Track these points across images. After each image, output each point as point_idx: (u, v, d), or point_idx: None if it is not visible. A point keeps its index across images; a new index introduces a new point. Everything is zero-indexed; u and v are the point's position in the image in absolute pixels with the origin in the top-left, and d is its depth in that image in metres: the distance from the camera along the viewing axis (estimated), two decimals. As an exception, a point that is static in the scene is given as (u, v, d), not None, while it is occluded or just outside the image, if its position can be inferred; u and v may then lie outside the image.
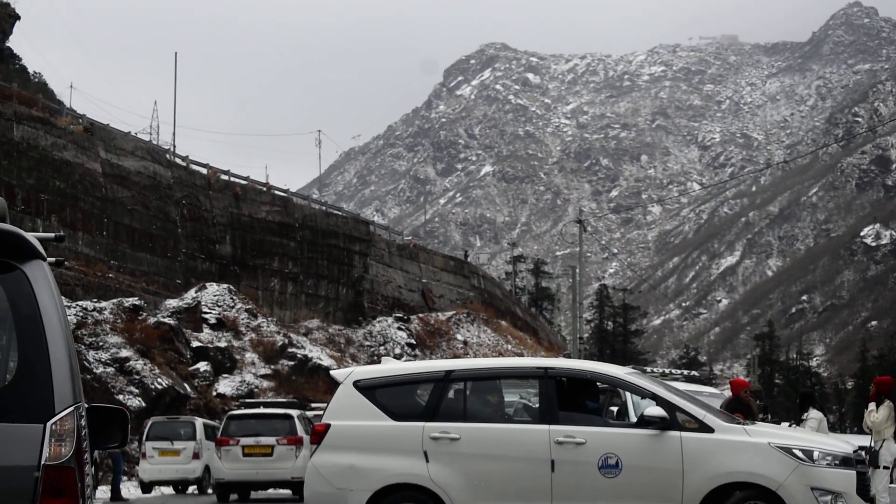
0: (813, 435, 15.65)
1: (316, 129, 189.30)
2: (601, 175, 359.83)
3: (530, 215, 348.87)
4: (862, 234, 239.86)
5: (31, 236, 5.99)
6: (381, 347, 73.09)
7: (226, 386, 54.99)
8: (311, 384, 58.71)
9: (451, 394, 15.25)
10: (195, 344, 57.25)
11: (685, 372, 27.96)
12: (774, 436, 14.48)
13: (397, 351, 73.00)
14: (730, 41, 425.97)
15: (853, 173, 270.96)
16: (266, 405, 35.84)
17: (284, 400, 39.94)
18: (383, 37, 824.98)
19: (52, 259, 8.25)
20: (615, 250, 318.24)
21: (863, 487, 14.38)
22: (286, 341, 62.27)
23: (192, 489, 38.78)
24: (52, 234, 8.52)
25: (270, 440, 31.53)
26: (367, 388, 15.38)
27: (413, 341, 75.28)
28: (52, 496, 5.49)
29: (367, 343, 73.61)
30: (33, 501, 5.47)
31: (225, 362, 57.13)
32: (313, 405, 44.92)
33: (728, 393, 24.47)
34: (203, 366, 55.89)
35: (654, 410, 14.37)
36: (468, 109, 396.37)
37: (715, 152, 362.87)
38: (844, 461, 14.26)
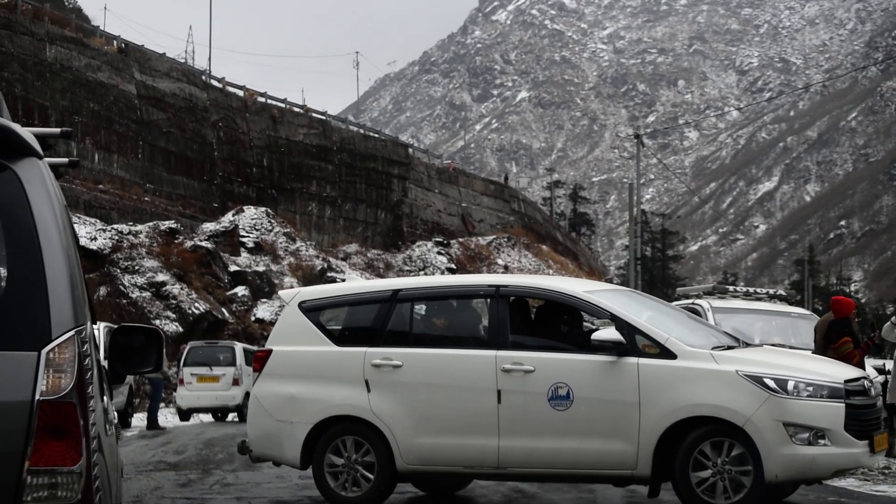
0: (797, 361, 13.03)
1: (353, 51, 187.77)
2: (638, 100, 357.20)
3: (566, 141, 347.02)
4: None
5: (25, 131, 5.01)
6: (421, 272, 72.05)
7: (264, 311, 53.87)
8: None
9: (396, 316, 13.57)
10: (233, 268, 56.22)
11: (770, 291, 25.20)
12: (745, 362, 12.19)
13: (437, 275, 72.11)
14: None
15: (893, 97, 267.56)
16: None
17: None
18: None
19: (65, 160, 7.16)
20: (651, 175, 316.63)
21: (860, 422, 12.08)
22: (325, 265, 61.12)
23: (231, 416, 37.63)
24: (56, 130, 6.99)
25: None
26: (312, 310, 13.97)
27: (453, 266, 74.27)
28: (50, 436, 4.61)
29: (407, 268, 72.55)
30: (27, 442, 4.58)
31: (263, 287, 55.99)
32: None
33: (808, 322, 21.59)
34: (241, 290, 54.83)
35: (605, 333, 12.42)
36: (504, 35, 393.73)
37: (753, 77, 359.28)
38: (833, 393, 11.99)
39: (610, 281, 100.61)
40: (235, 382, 36.09)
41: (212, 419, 37.60)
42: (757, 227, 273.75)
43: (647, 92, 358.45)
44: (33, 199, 4.84)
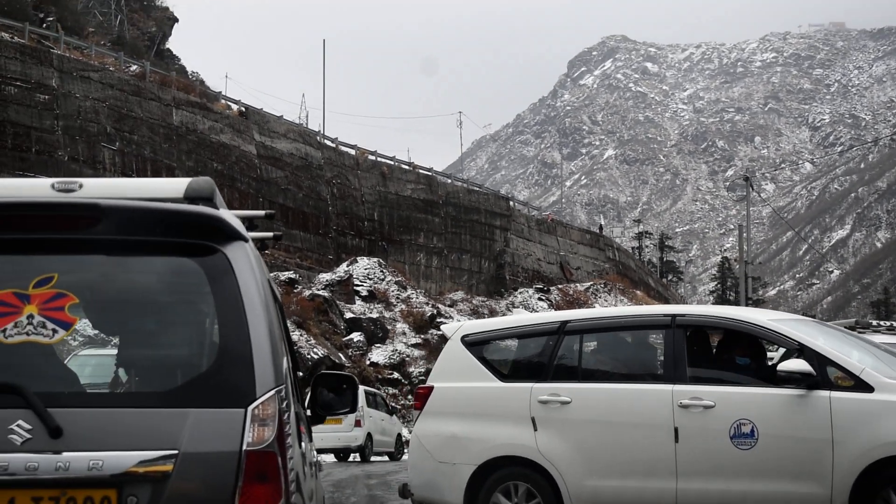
0: None
1: (455, 112, 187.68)
2: (717, 156, 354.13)
3: (651, 195, 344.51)
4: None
5: (233, 217, 5.34)
6: (523, 317, 70.44)
7: (378, 355, 52.57)
8: (459, 353, 56.05)
9: (564, 349, 11.92)
10: (348, 315, 55.03)
11: (892, 324, 23.14)
12: None
13: (538, 320, 70.41)
14: (837, 27, 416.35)
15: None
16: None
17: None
18: (511, 32, 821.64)
19: (270, 234, 7.27)
20: (731, 226, 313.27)
21: None
22: (434, 312, 59.71)
23: (353, 457, 36.23)
24: (262, 212, 7.17)
25: None
26: (475, 344, 12.38)
27: (553, 311, 72.56)
28: (255, 480, 4.92)
29: (510, 314, 70.99)
30: (236, 486, 4.87)
31: (377, 332, 54.68)
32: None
33: None
34: (356, 336, 53.57)
35: (793, 364, 10.54)
36: (591, 98, 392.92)
37: (825, 132, 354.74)
38: None
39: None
40: (357, 424, 34.62)
41: (334, 459, 36.27)
42: (831, 272, 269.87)
43: (725, 148, 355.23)
44: (240, 277, 5.14)
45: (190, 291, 5.24)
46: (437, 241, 72.68)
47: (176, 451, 4.82)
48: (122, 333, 5.56)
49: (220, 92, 65.67)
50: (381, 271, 61.20)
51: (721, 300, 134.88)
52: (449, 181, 79.64)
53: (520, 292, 73.82)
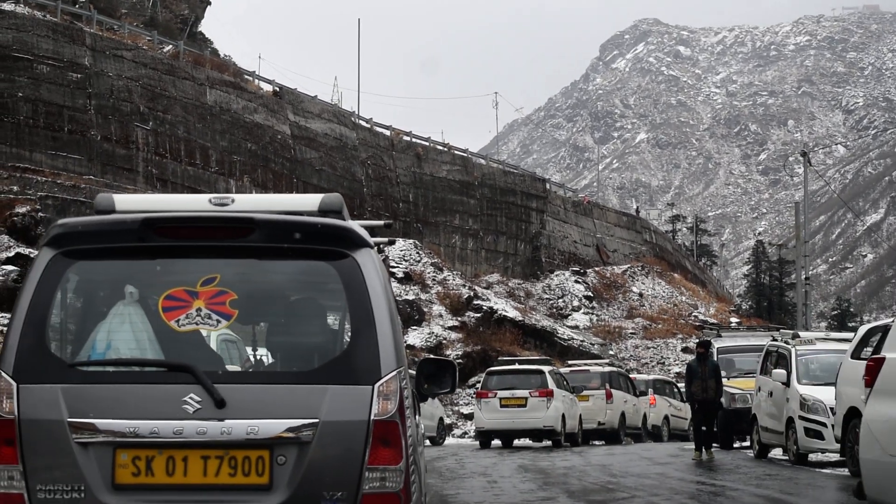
0: None
1: (489, 93, 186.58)
2: (750, 140, 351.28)
3: (683, 179, 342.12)
4: None
5: (360, 227, 6.44)
6: (560, 300, 69.39)
7: (415, 337, 51.56)
8: (498, 335, 55.16)
9: None
10: (384, 297, 53.94)
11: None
12: None
13: (575, 303, 69.36)
14: (871, 10, 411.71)
15: None
16: (520, 362, 36.33)
17: (538, 357, 41.71)
18: (542, 16, 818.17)
19: (386, 240, 8.54)
20: (764, 209, 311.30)
21: None
22: (471, 294, 58.67)
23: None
24: (381, 222, 8.66)
25: (524, 392, 32.40)
26: None
27: (590, 294, 71.61)
28: (381, 445, 5.98)
29: (546, 296, 70.04)
30: (365, 449, 5.95)
31: (413, 314, 53.65)
32: (570, 362, 44.65)
33: None
34: (393, 318, 52.49)
35: None
36: (623, 81, 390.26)
37: (858, 115, 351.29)
38: None
39: (738, 308, 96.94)
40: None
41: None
42: (865, 256, 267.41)
43: (758, 132, 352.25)
44: (367, 277, 6.20)
45: (326, 289, 6.35)
46: (473, 223, 71.74)
47: (317, 420, 5.93)
48: (271, 323, 6.61)
49: (255, 72, 64.72)
50: (418, 253, 60.27)
51: (755, 284, 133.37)
52: (484, 162, 78.62)
53: (556, 275, 72.79)
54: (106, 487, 5.90)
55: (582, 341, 60.70)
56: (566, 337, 60.06)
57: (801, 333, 25.21)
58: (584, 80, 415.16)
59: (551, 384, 32.68)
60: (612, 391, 37.04)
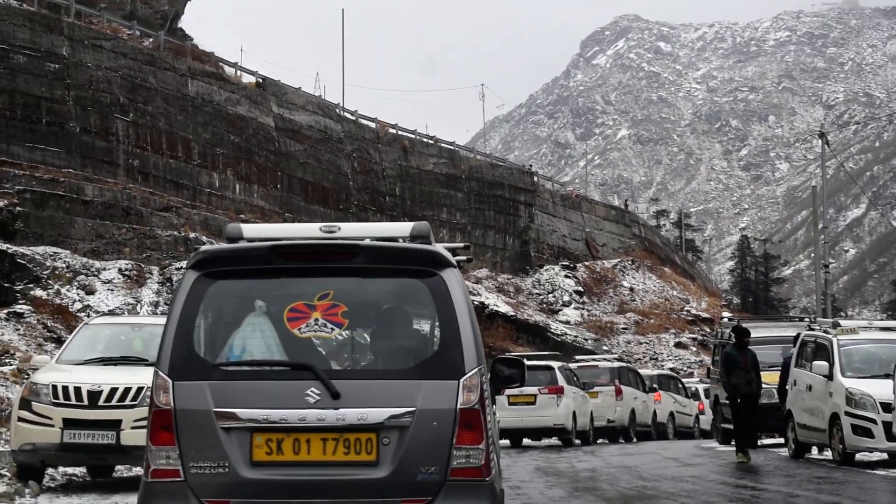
0: None
1: (475, 85, 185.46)
2: (731, 135, 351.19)
3: (665, 175, 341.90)
4: None
5: (445, 250, 7.85)
6: (550, 295, 68.14)
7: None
8: (491, 331, 54.01)
9: None
10: (372, 292, 52.63)
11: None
12: None
13: (566, 298, 68.15)
14: (850, 6, 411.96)
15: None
16: (529, 357, 34.14)
17: (547, 353, 40.53)
18: (521, 12, 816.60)
19: (464, 257, 9.07)
20: (745, 205, 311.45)
21: None
22: (461, 289, 57.29)
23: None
24: (461, 244, 9.59)
25: (533, 390, 31.26)
26: None
27: (580, 289, 70.44)
28: (466, 429, 7.29)
29: (536, 291, 68.82)
30: (453, 432, 7.28)
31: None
32: (577, 357, 44.00)
33: None
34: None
35: None
36: (604, 77, 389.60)
37: (839, 111, 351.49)
38: None
39: (729, 303, 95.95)
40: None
41: None
42: (847, 251, 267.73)
43: (739, 127, 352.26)
44: (452, 292, 7.54)
45: (419, 302, 7.69)
46: (461, 217, 70.54)
47: (414, 409, 7.33)
48: (374, 330, 7.85)
49: (237, 63, 63.21)
50: (405, 247, 58.95)
51: (741, 279, 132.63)
52: (472, 155, 77.47)
53: (545, 269, 71.58)
54: (245, 464, 7.30)
55: (575, 336, 59.56)
56: (559, 332, 58.91)
57: (842, 322, 23.40)
58: (564, 76, 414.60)
59: (561, 380, 31.71)
60: (622, 387, 35.67)
